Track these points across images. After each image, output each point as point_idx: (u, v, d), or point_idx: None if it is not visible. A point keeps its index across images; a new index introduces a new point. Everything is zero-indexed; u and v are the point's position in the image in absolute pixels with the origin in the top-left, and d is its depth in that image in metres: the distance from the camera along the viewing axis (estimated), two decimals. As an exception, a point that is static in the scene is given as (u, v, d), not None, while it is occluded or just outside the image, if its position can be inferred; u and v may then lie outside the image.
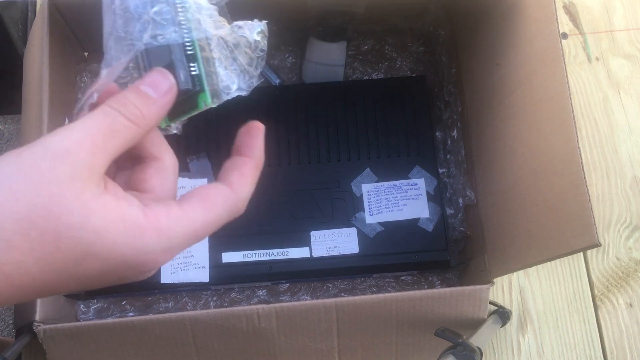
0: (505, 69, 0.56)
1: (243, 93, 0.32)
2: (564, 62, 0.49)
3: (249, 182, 0.31)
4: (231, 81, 0.32)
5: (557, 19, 0.50)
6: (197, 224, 0.28)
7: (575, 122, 0.47)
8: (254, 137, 0.32)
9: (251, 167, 0.31)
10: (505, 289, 0.68)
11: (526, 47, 0.53)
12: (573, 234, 0.47)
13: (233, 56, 0.31)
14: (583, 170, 0.46)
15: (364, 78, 0.73)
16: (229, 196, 0.30)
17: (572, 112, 0.48)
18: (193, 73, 0.30)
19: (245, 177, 0.31)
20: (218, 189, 0.30)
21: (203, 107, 0.32)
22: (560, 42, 0.49)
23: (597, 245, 0.44)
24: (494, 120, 0.59)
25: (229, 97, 0.32)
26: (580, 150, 0.47)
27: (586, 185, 0.46)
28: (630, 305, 0.68)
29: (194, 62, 0.30)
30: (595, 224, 0.45)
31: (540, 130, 0.51)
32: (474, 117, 0.64)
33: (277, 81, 0.71)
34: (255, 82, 0.33)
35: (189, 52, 0.29)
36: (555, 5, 0.51)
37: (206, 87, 0.31)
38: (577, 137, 0.47)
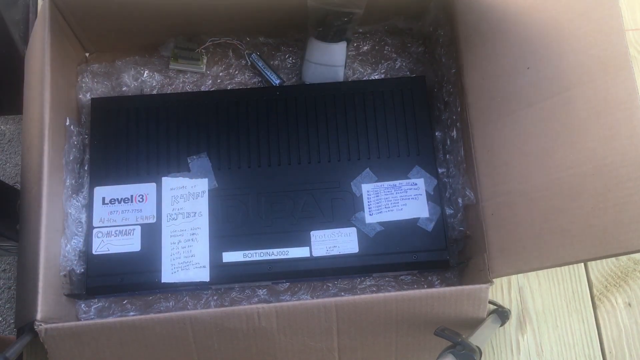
0: (542, 73, 0.57)
1: None
2: (633, 70, 0.50)
3: None
4: None
5: (622, 25, 0.51)
6: None
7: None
8: None
9: None
10: (504, 288, 0.68)
11: (579, 54, 0.54)
12: (637, 234, 0.49)
13: None
14: None
15: (364, 78, 0.73)
16: None
17: None
18: None
19: None
20: None
21: None
22: (628, 51, 0.51)
23: None
24: (519, 122, 0.58)
25: None
26: None
27: None
28: (629, 304, 0.68)
29: None
30: None
31: (597, 136, 0.52)
32: (481, 118, 0.63)
33: (277, 81, 0.72)
34: None
35: None
36: (619, 8, 0.52)
37: None
38: None
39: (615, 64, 0.52)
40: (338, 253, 0.64)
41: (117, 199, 0.65)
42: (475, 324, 0.58)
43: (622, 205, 0.50)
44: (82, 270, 0.64)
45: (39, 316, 0.55)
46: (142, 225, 0.65)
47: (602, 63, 0.52)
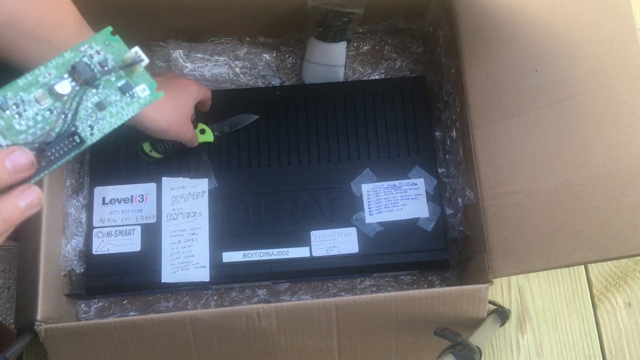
0: (553, 77, 0.57)
1: None
2: None
3: None
4: None
5: (636, 34, 0.52)
6: None
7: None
8: None
9: None
10: (504, 288, 0.68)
11: (593, 61, 0.55)
12: None
13: None
14: None
15: (364, 78, 0.73)
16: None
17: None
18: None
19: None
20: None
21: None
22: None
23: None
24: (526, 124, 0.58)
25: None
26: None
27: None
28: (629, 304, 0.68)
29: None
30: None
31: (611, 140, 0.53)
32: (483, 118, 0.63)
33: (277, 81, 0.72)
34: None
35: None
36: (633, 18, 0.53)
37: None
38: None
39: (631, 72, 0.52)
40: (338, 253, 0.64)
41: (117, 199, 0.65)
42: (475, 324, 0.58)
43: (637, 207, 0.50)
44: (82, 270, 0.64)
45: (39, 316, 0.55)
46: (142, 225, 0.65)
47: (617, 70, 0.53)
